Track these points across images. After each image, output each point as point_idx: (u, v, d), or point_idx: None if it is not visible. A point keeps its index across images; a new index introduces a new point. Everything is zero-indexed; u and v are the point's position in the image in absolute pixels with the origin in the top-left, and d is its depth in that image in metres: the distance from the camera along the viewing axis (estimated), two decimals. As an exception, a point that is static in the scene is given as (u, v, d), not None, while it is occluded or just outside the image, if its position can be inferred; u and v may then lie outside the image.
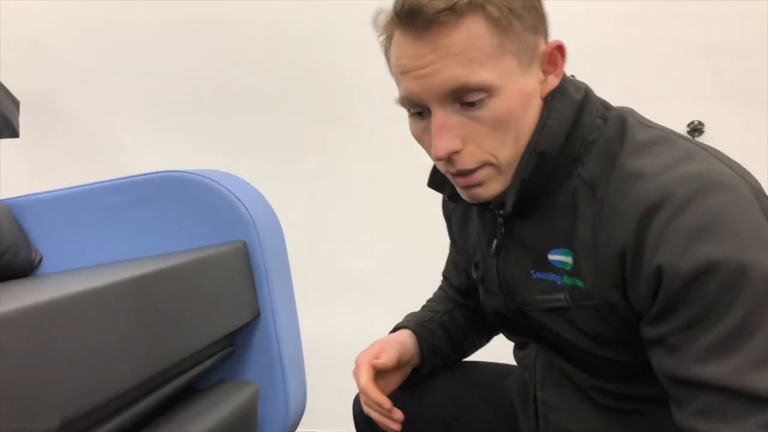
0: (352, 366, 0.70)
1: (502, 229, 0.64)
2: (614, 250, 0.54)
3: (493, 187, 0.59)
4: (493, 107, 0.55)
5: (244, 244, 0.93)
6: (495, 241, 0.66)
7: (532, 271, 0.61)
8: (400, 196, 1.43)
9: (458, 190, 0.62)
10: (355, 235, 1.50)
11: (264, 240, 0.96)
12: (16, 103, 1.15)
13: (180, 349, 0.71)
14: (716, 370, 0.47)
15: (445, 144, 0.56)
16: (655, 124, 0.60)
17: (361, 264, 1.51)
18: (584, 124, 0.59)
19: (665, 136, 0.57)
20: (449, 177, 0.61)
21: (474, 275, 0.72)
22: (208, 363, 0.83)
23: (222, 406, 0.77)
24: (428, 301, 0.86)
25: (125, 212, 1.01)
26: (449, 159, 0.57)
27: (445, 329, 0.80)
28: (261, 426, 0.88)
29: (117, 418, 0.63)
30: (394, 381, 0.74)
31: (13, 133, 1.14)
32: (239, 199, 0.96)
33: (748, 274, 0.47)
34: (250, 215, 0.95)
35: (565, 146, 0.59)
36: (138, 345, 0.62)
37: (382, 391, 0.68)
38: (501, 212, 0.61)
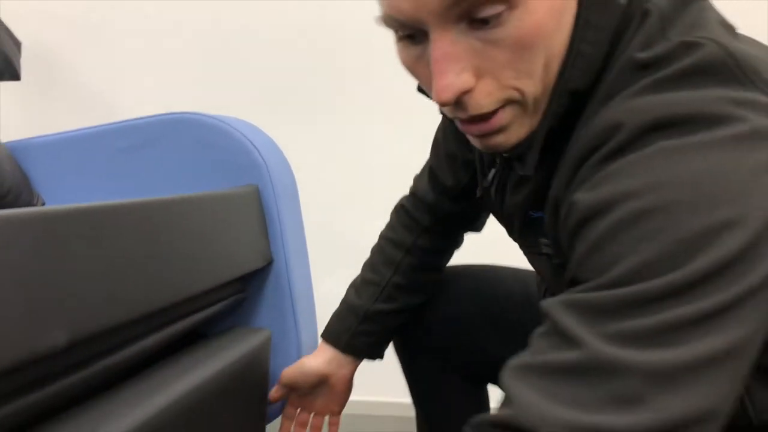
0: None
1: (499, 160, 0.56)
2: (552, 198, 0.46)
3: (516, 131, 0.46)
4: (516, 24, 0.40)
5: (257, 188, 0.89)
6: (492, 171, 0.57)
7: (531, 212, 0.54)
8: (418, 158, 1.39)
9: (470, 138, 0.48)
10: (368, 199, 1.47)
11: (277, 186, 0.92)
12: (18, 44, 1.11)
13: (192, 284, 0.67)
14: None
15: (451, 82, 0.41)
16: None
17: (376, 228, 1.48)
18: (643, 45, 0.43)
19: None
20: (458, 124, 0.47)
21: (477, 193, 0.63)
22: (219, 306, 0.80)
23: (234, 349, 0.74)
24: (373, 252, 0.83)
25: (131, 156, 0.97)
26: (458, 101, 0.43)
27: (400, 290, 0.78)
28: (272, 375, 0.84)
29: (125, 349, 0.59)
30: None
31: (14, 75, 1.10)
32: (252, 143, 0.92)
33: (643, 219, 0.37)
34: (263, 159, 0.91)
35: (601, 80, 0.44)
36: (148, 271, 0.58)
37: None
38: (508, 156, 0.50)
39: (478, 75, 0.42)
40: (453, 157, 0.72)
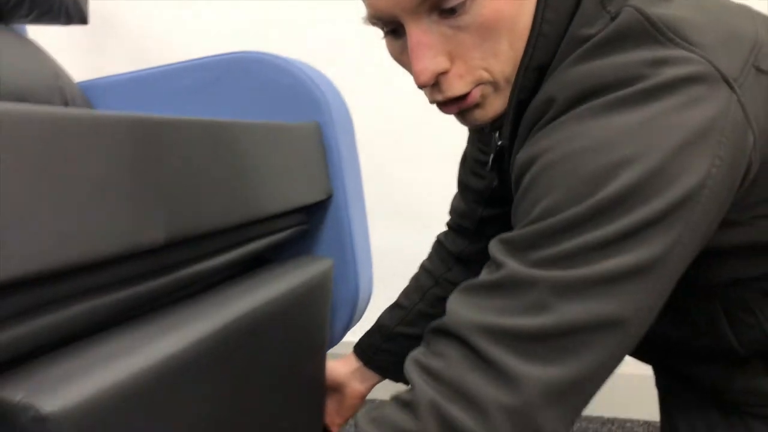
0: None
1: (497, 144, 0.60)
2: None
3: (493, 105, 0.52)
4: (478, 11, 0.46)
5: (318, 125, 0.92)
6: (492, 156, 0.62)
7: None
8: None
9: (456, 119, 0.54)
10: (421, 150, 1.49)
11: (337, 124, 0.94)
12: (85, -13, 1.14)
13: (261, 205, 0.71)
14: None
15: (426, 65, 0.47)
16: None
17: (426, 178, 1.50)
18: (587, 21, 0.48)
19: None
20: (439, 108, 0.53)
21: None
22: (283, 234, 0.83)
23: (299, 273, 0.78)
24: (411, 279, 0.89)
25: (194, 96, 1.00)
26: (435, 83, 0.49)
27: (423, 317, 0.82)
28: (333, 303, 0.88)
29: (205, 261, 0.63)
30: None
31: (83, 19, 1.14)
32: (313, 81, 0.94)
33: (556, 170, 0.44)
34: (325, 98, 0.94)
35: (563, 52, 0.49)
36: (225, 186, 0.62)
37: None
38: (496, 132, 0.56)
39: (451, 59, 0.48)
40: (477, 161, 0.78)
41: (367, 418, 0.46)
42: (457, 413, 0.41)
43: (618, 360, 0.44)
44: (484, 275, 0.46)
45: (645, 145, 0.41)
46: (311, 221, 0.93)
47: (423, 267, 0.88)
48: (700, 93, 0.42)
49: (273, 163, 0.76)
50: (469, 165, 0.79)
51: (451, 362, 0.43)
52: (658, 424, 1.49)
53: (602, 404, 1.56)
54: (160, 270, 0.55)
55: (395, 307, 0.87)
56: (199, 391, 0.52)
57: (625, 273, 0.41)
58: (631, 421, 1.53)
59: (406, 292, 0.87)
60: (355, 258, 0.92)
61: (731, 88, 0.42)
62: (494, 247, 0.46)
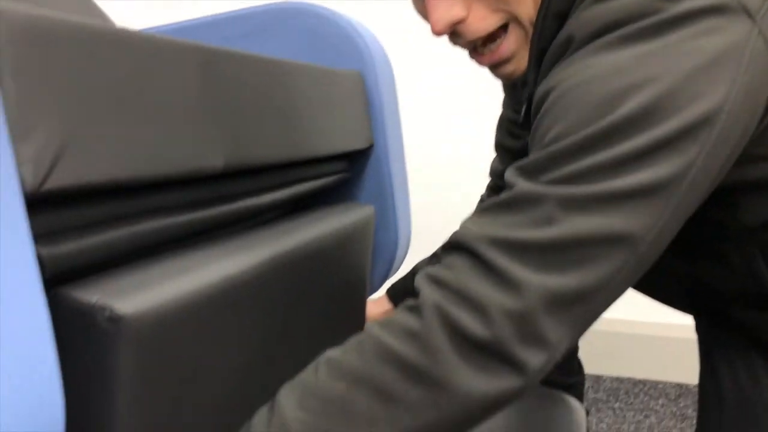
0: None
1: (526, 97, 0.60)
2: None
3: (523, 58, 0.53)
4: None
5: (360, 74, 0.93)
6: (523, 110, 0.62)
7: None
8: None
9: (491, 72, 0.55)
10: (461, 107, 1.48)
11: (379, 74, 0.95)
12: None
13: (308, 146, 0.72)
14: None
15: (441, 15, 0.49)
16: None
17: (465, 136, 1.50)
18: None
19: None
20: (474, 59, 0.54)
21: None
22: (326, 180, 0.85)
23: (343, 217, 0.80)
24: None
25: (239, 44, 1.02)
26: (454, 32, 0.50)
27: None
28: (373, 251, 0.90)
29: (257, 196, 0.65)
30: None
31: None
32: (357, 31, 0.95)
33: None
34: (368, 47, 0.94)
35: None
36: (277, 122, 0.64)
37: None
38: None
39: (468, 6, 0.49)
40: (511, 121, 0.80)
41: (377, 323, 0.48)
42: (460, 314, 0.42)
43: (626, 279, 0.44)
44: (500, 198, 0.47)
45: (658, 69, 0.41)
46: (353, 170, 0.94)
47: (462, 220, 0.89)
48: (719, 23, 0.42)
49: (320, 106, 0.77)
50: (504, 126, 0.81)
51: (458, 271, 0.44)
52: (691, 387, 1.50)
53: (634, 366, 1.57)
54: (218, 199, 0.57)
55: (432, 256, 0.90)
56: (250, 314, 0.55)
57: (636, 191, 0.41)
58: (663, 383, 1.53)
59: (443, 245, 0.88)
60: (395, 208, 0.94)
61: (752, 18, 0.42)
62: (508, 173, 0.47)
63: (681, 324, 1.57)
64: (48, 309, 0.36)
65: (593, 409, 1.42)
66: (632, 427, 1.36)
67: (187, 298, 0.46)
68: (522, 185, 0.45)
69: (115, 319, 0.40)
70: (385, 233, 0.93)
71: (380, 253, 0.94)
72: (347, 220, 0.79)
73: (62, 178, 0.37)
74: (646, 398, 1.47)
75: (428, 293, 0.45)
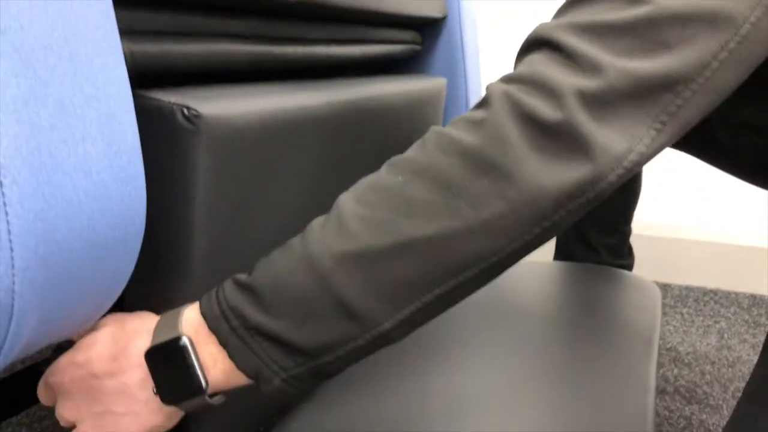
0: None
1: None
2: None
3: None
4: None
5: (436, -59, 0.89)
6: None
7: None
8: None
9: None
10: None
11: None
12: None
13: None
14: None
15: None
16: None
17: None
18: None
19: None
20: None
21: None
22: (398, 47, 0.83)
23: (416, 83, 0.78)
24: None
25: None
26: None
27: None
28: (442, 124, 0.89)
29: (330, 46, 0.65)
30: None
31: None
32: None
33: None
34: None
35: None
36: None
37: None
38: None
39: None
40: None
41: None
42: (531, 101, 0.38)
43: (722, 71, 0.38)
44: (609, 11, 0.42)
45: None
46: (425, 43, 0.92)
47: None
48: None
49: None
50: None
51: (533, 63, 0.40)
52: (765, 298, 1.44)
53: (705, 274, 1.52)
54: (293, 39, 0.57)
55: None
56: (318, 148, 0.56)
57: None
58: (736, 293, 1.49)
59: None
60: (467, 82, 0.92)
61: None
62: None
63: (755, 234, 1.51)
64: (133, 101, 0.37)
65: (660, 313, 1.39)
66: (701, 331, 1.33)
67: (263, 114, 0.46)
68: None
69: (194, 118, 0.41)
70: (454, 107, 0.92)
71: (449, 129, 0.93)
72: (419, 86, 0.78)
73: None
74: (716, 306, 1.43)
75: (497, 86, 0.40)
